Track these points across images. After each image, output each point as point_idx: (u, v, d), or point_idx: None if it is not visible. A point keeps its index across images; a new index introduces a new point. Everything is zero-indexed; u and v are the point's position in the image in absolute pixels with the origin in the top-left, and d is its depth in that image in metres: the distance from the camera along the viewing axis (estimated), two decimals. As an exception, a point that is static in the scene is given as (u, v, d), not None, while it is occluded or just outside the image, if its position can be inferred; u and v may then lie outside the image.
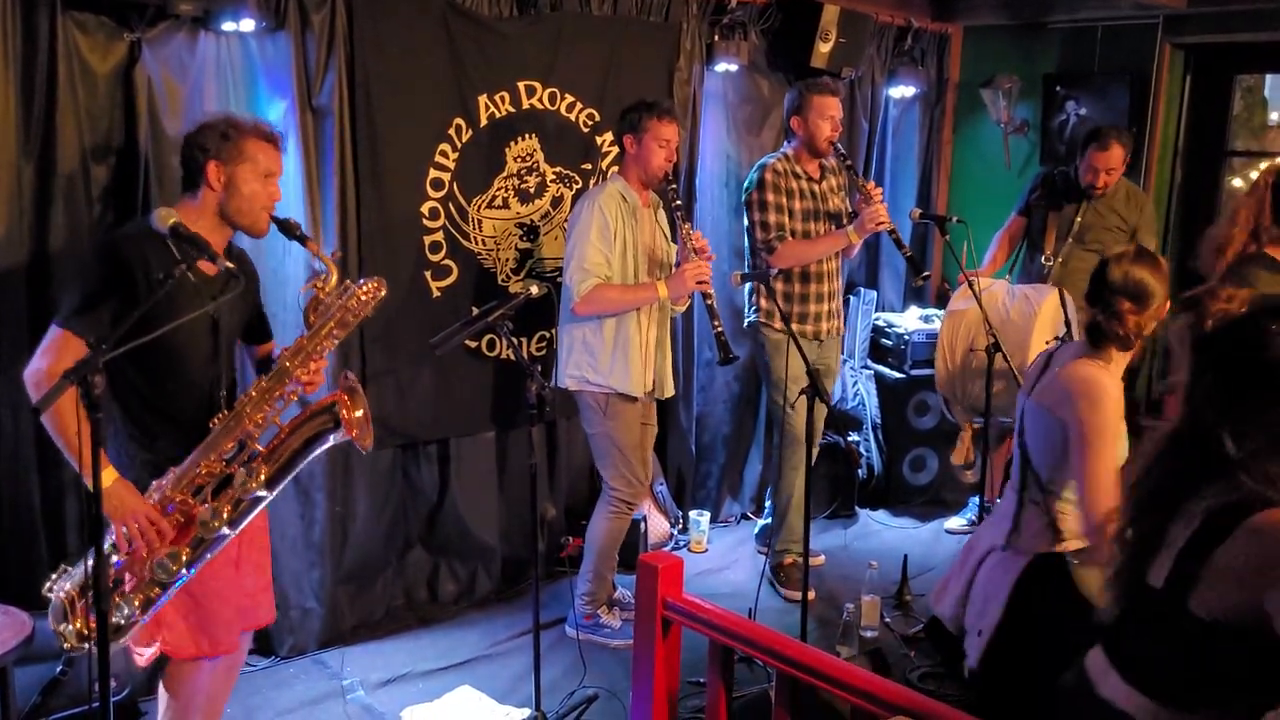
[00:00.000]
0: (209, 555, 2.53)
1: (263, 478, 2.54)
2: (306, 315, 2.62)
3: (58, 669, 3.02)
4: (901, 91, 5.38)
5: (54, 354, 2.41)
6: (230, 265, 2.48)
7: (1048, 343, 4.18)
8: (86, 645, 2.41)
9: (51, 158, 3.05)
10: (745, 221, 4.29)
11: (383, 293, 2.66)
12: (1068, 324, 4.10)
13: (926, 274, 4.88)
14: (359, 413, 2.60)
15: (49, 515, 3.20)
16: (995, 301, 4.35)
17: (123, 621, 2.44)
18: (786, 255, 4.14)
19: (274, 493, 2.59)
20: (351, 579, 3.92)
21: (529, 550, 4.19)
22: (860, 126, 5.23)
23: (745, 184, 4.29)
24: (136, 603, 2.46)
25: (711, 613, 2.48)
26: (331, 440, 2.62)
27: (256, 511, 2.59)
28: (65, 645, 2.46)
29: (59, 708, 3.01)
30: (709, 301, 3.69)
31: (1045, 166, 5.13)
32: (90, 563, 2.07)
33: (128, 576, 2.47)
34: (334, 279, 2.62)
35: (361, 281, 2.63)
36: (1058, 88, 5.35)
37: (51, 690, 3.01)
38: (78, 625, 2.43)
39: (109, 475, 2.40)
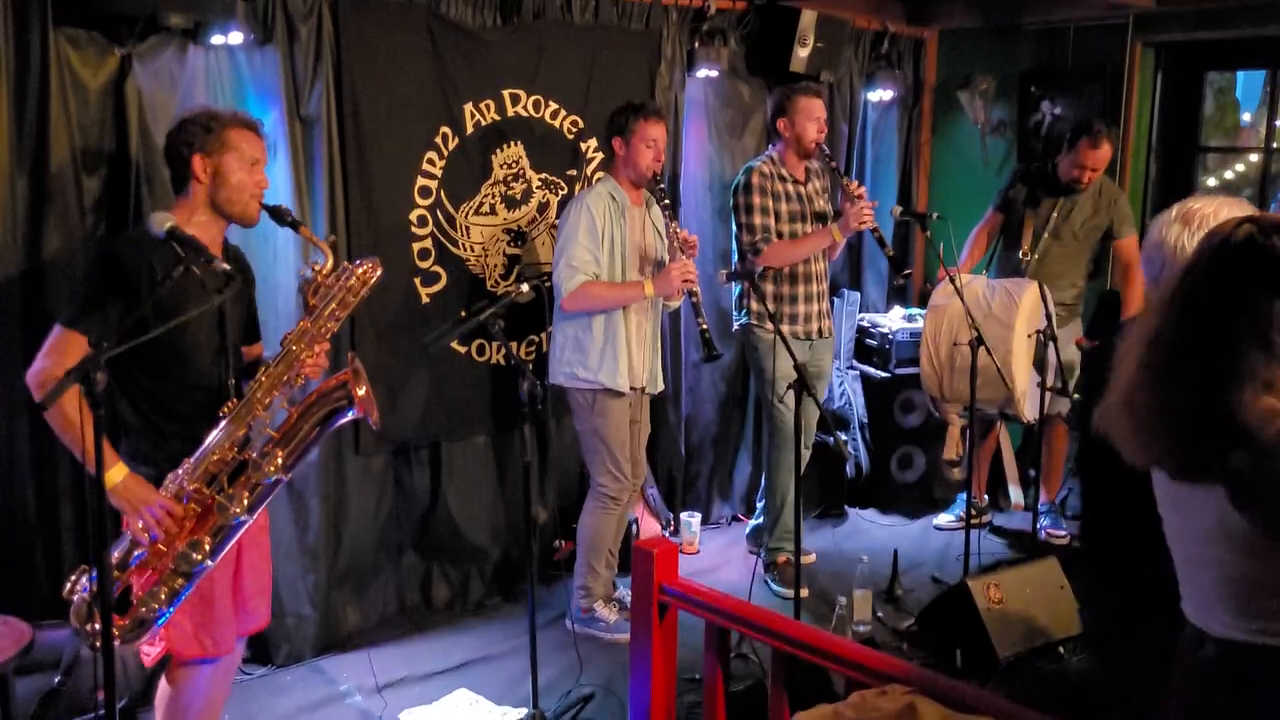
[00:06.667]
0: (229, 542, 2.56)
1: (279, 461, 2.57)
2: (305, 299, 2.67)
3: (55, 679, 3.03)
4: (880, 95, 5.45)
5: (58, 353, 2.43)
6: (227, 267, 2.52)
7: (1029, 336, 4.26)
8: (118, 642, 2.41)
9: (44, 170, 3.09)
10: (732, 224, 4.35)
11: (379, 272, 2.71)
12: (1049, 317, 4.16)
13: (908, 272, 4.94)
14: (363, 390, 2.65)
15: (45, 523, 3.21)
16: (975, 296, 4.39)
17: (148, 615, 2.46)
18: (772, 257, 4.19)
19: (290, 475, 2.63)
20: (346, 584, 3.93)
21: (522, 552, 4.24)
22: (840, 130, 5.30)
23: (732, 186, 4.33)
24: (162, 595, 2.48)
25: (707, 594, 2.51)
26: (346, 417, 2.67)
27: (273, 495, 2.63)
28: (96, 644, 2.46)
29: (57, 717, 3.01)
30: (695, 300, 3.77)
31: (1022, 164, 5.21)
32: (94, 554, 2.08)
33: (149, 571, 2.48)
34: (330, 263, 2.67)
35: (358, 261, 2.69)
36: (1032, 88, 5.43)
37: (50, 700, 3.01)
38: None
39: (120, 470, 2.43)
